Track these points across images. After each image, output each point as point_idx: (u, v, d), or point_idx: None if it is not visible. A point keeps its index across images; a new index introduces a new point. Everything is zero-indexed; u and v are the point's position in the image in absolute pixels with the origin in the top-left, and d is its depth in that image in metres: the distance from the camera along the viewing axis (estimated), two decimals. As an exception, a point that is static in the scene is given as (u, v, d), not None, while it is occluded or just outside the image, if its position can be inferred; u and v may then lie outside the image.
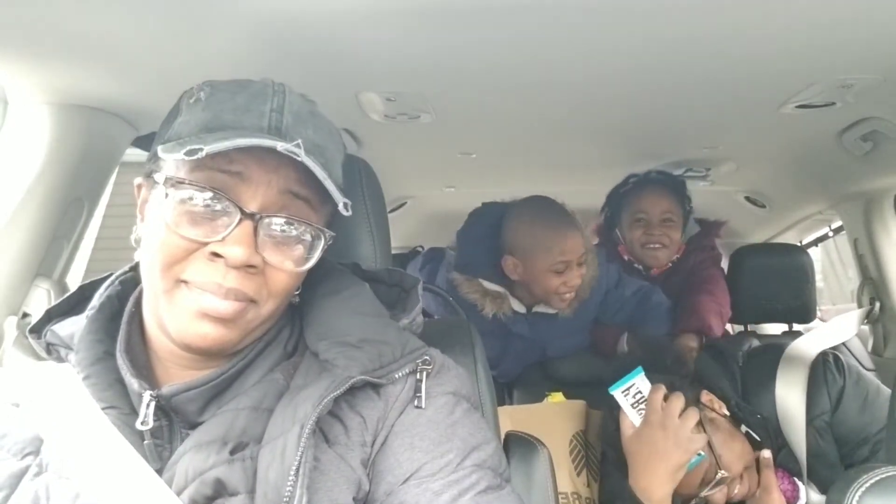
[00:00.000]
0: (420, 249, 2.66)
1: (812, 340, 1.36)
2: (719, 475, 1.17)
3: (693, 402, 1.25)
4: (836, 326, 1.43)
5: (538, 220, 1.60)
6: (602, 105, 1.36)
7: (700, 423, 1.19)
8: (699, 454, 1.18)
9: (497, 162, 1.90)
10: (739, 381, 1.36)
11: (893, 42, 1.01)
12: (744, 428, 1.27)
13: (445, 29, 0.93)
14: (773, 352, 1.38)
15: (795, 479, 1.26)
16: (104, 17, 0.83)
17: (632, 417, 1.24)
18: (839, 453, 1.25)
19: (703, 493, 1.19)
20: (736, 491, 1.20)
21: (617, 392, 1.26)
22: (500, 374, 1.90)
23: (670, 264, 2.00)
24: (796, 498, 1.24)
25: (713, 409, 1.26)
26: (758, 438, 1.26)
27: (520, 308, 1.72)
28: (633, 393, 1.26)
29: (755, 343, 1.60)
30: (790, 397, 1.27)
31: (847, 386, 1.25)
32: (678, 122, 1.54)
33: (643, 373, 1.27)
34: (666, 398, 1.21)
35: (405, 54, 1.03)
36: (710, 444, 1.19)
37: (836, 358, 1.31)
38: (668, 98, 1.30)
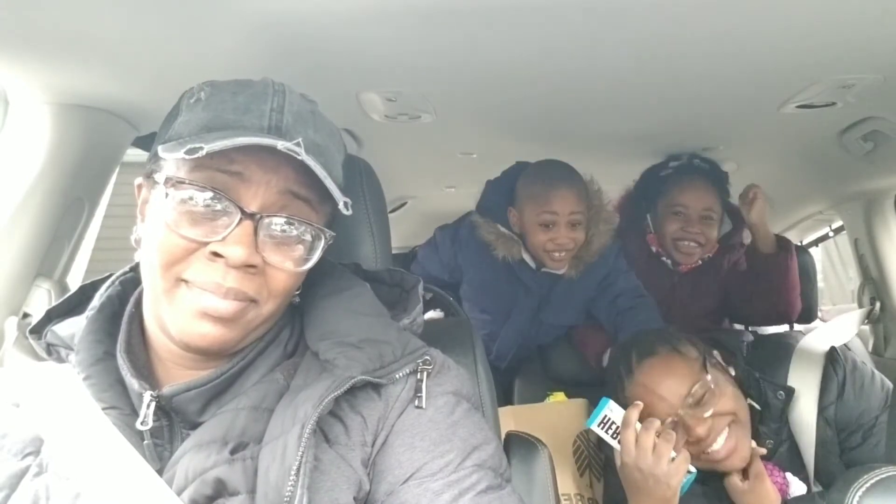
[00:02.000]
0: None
1: (822, 338, 1.36)
2: (702, 381, 1.18)
3: (703, 357, 1.26)
4: (840, 324, 1.43)
5: (535, 174, 1.66)
6: (602, 105, 1.36)
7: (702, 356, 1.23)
8: (690, 472, 1.17)
9: (498, 162, 1.89)
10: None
11: (894, 42, 1.01)
12: (749, 401, 1.28)
13: (446, 29, 0.93)
14: (777, 346, 1.39)
15: (787, 474, 1.26)
16: (104, 17, 0.83)
17: (616, 447, 1.24)
18: (838, 439, 1.26)
19: (682, 410, 1.18)
20: (720, 443, 1.18)
21: (594, 426, 1.26)
22: (497, 355, 1.91)
23: (700, 262, 1.88)
24: (786, 493, 1.23)
25: (720, 362, 1.29)
26: (758, 410, 1.27)
27: (531, 262, 1.76)
28: (608, 424, 1.25)
29: (750, 338, 1.60)
30: (804, 394, 1.27)
31: (847, 374, 1.28)
32: (678, 122, 1.54)
33: (610, 401, 1.27)
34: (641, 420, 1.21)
35: (406, 54, 1.03)
36: (704, 366, 1.22)
37: (834, 349, 1.33)
38: (668, 98, 1.30)
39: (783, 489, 1.22)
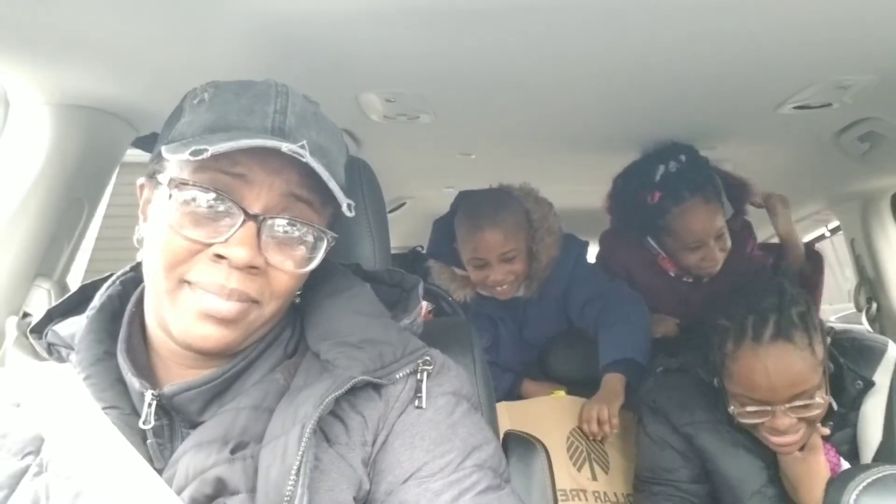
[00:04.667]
0: (420, 249, 2.65)
1: None
2: (819, 396, 1.13)
3: (821, 357, 1.18)
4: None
5: (462, 215, 1.65)
6: (600, 106, 1.36)
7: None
8: None
9: (496, 162, 1.90)
10: None
11: (890, 43, 1.02)
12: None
13: (445, 30, 0.94)
14: (864, 346, 1.32)
15: (841, 458, 1.23)
16: (105, 17, 0.83)
17: None
18: None
19: (786, 406, 1.13)
20: (786, 438, 1.15)
21: None
22: (502, 364, 1.88)
23: None
24: (836, 472, 1.19)
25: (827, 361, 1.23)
26: (834, 408, 1.21)
27: (486, 292, 1.74)
28: None
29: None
30: (883, 394, 1.24)
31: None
32: (676, 123, 1.54)
33: None
34: None
35: (405, 55, 1.03)
36: (824, 374, 1.16)
37: None
38: (665, 99, 1.30)
39: (834, 468, 1.19)
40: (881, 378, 1.26)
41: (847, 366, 1.25)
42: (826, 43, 1.01)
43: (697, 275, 1.74)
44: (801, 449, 1.18)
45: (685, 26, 0.95)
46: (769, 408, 1.14)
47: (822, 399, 1.14)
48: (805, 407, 1.14)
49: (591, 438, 1.48)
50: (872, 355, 1.29)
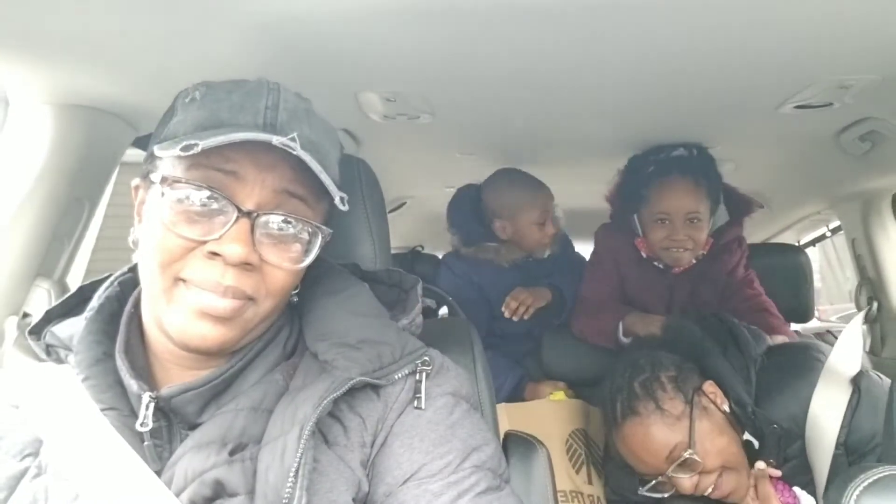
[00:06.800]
0: (420, 249, 2.66)
1: (849, 354, 1.29)
2: (686, 454, 1.16)
3: (693, 390, 1.24)
4: (851, 335, 1.34)
5: (516, 185, 1.90)
6: (601, 105, 1.36)
7: (689, 405, 1.21)
8: None
9: (496, 161, 1.90)
10: (754, 385, 1.30)
11: (891, 42, 1.01)
12: (746, 435, 1.25)
13: (445, 29, 0.93)
14: (801, 358, 1.33)
15: (797, 489, 1.23)
16: (105, 17, 0.83)
17: None
18: (848, 461, 1.22)
19: (669, 472, 1.18)
20: (710, 489, 1.17)
21: None
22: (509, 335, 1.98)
23: (694, 261, 1.76)
24: None
25: (712, 401, 1.25)
26: (755, 447, 1.24)
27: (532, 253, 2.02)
28: None
29: (769, 342, 1.49)
30: (828, 415, 1.22)
31: (862, 394, 1.23)
32: (676, 123, 1.54)
33: None
34: None
35: (405, 54, 1.03)
36: (689, 427, 1.19)
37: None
38: (666, 99, 1.30)
39: None
40: (823, 400, 1.24)
41: (756, 412, 1.25)
42: (827, 42, 1.01)
43: (665, 260, 1.75)
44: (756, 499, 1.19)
45: (685, 26, 0.95)
46: (661, 477, 1.20)
47: (697, 458, 1.16)
48: (684, 466, 1.17)
49: (509, 314, 1.82)
50: (806, 369, 1.29)
